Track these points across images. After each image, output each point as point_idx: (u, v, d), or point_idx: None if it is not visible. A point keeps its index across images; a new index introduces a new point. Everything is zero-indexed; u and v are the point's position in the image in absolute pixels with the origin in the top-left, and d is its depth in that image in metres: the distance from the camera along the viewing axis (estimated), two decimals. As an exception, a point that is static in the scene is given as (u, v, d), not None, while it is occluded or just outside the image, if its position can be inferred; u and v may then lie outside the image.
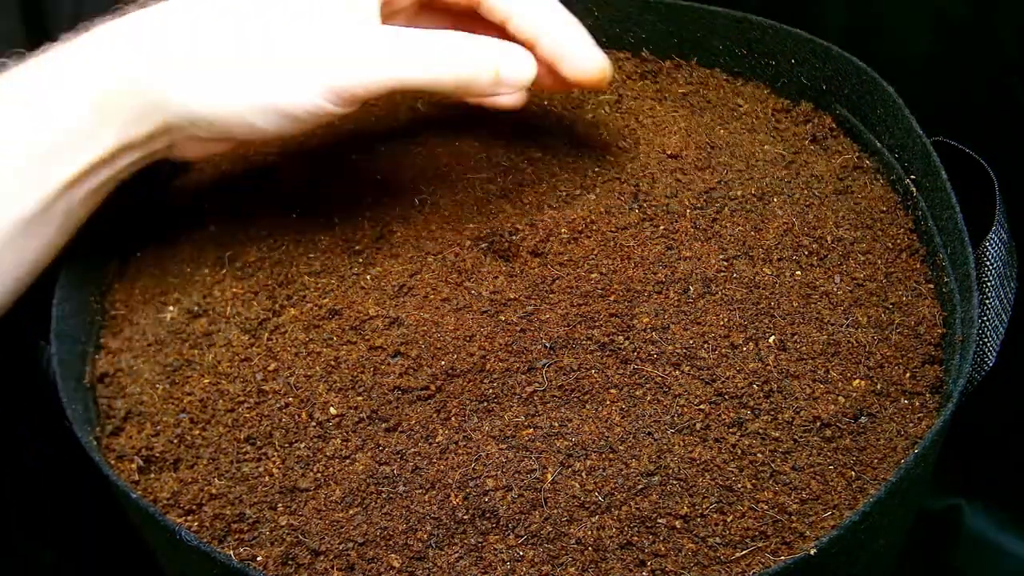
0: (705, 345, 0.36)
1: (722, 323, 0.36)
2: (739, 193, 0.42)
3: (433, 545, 0.31)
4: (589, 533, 0.31)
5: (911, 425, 0.34)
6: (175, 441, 0.35)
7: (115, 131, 0.36)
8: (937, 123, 0.41)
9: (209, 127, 0.36)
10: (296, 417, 0.35)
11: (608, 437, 0.33)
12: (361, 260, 0.40)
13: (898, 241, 0.40)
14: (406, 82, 0.35)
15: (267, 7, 0.36)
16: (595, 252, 0.39)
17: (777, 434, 0.33)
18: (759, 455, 0.33)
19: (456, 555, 0.31)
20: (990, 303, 0.35)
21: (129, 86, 0.36)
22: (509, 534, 0.31)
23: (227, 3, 0.36)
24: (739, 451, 0.33)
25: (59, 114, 0.36)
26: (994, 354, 0.35)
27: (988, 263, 0.36)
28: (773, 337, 0.36)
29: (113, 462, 0.35)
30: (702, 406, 0.34)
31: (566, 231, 0.40)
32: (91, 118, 0.36)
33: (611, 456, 0.33)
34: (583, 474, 0.33)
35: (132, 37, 0.36)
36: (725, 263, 0.39)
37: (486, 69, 0.36)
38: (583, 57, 0.39)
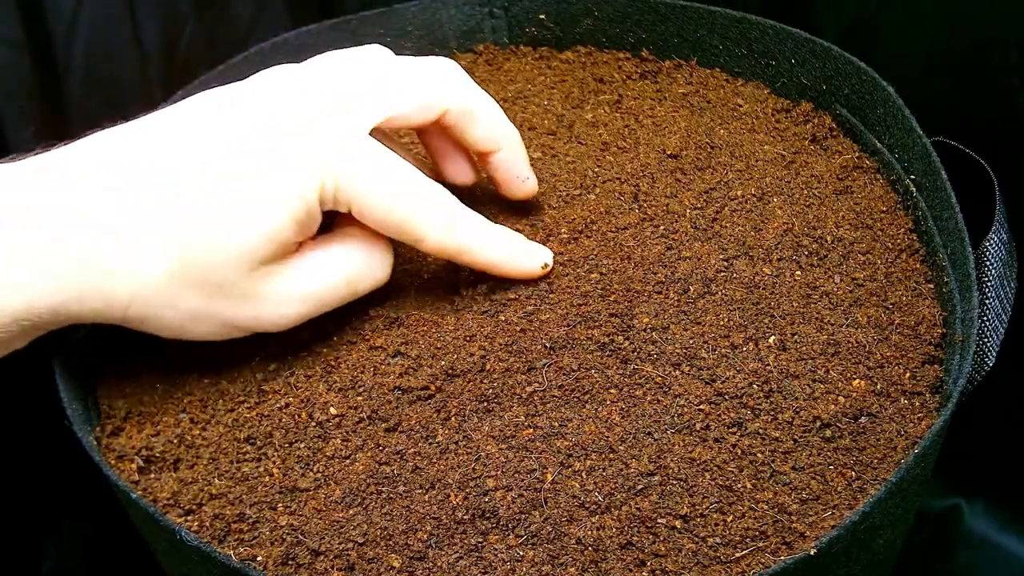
0: (705, 345, 0.36)
1: (722, 323, 0.36)
2: (739, 193, 0.42)
3: (433, 545, 0.31)
4: (589, 533, 0.31)
5: (911, 425, 0.34)
6: (175, 441, 0.35)
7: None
8: (937, 123, 0.41)
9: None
10: (296, 417, 0.35)
11: (608, 437, 0.33)
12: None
13: (898, 241, 0.40)
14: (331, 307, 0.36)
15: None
16: (595, 252, 0.39)
17: (777, 434, 0.33)
18: (759, 455, 0.33)
19: (456, 555, 0.31)
20: (990, 303, 0.35)
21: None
22: (509, 534, 0.31)
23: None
24: (739, 451, 0.33)
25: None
26: (994, 354, 0.35)
27: (988, 263, 0.36)
28: (773, 337, 0.36)
29: (113, 462, 0.35)
30: (702, 406, 0.34)
31: (566, 231, 0.40)
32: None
33: (611, 456, 0.33)
34: (583, 474, 0.33)
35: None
36: (725, 263, 0.39)
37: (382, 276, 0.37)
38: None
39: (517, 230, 0.41)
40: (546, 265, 0.38)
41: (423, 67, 0.38)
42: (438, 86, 0.38)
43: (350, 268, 0.36)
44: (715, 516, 0.31)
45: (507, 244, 0.38)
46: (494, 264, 0.38)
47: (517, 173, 0.40)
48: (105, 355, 0.39)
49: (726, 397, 0.34)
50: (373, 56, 0.38)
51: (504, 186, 0.41)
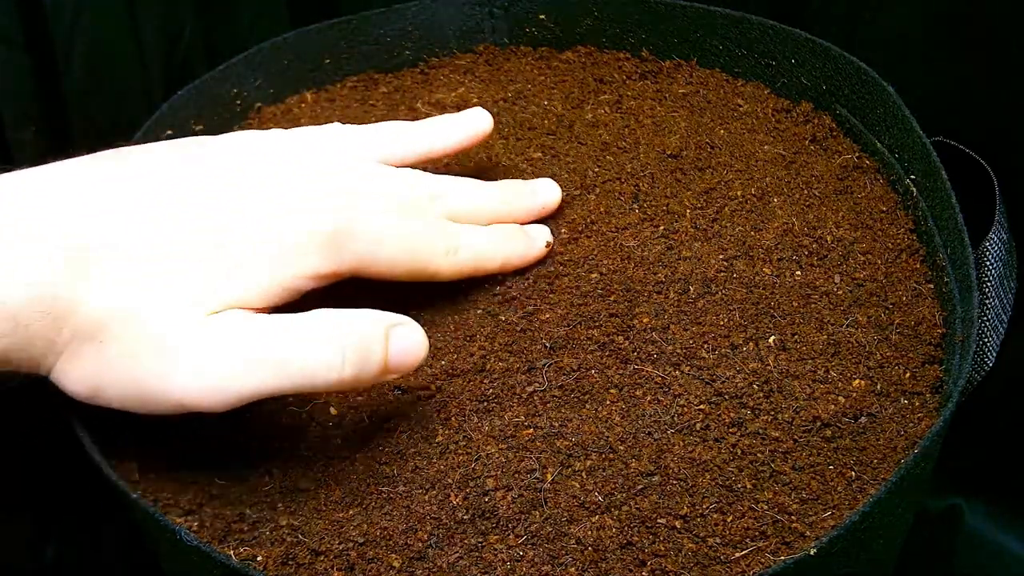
0: (705, 345, 0.36)
1: (722, 323, 0.36)
2: (739, 193, 0.42)
3: (433, 545, 0.31)
4: (589, 533, 0.31)
5: (911, 425, 0.34)
6: (175, 441, 0.35)
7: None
8: (937, 123, 0.41)
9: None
10: (296, 417, 0.35)
11: (608, 437, 0.33)
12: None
13: (898, 241, 0.40)
14: (268, 393, 0.31)
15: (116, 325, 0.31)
16: (595, 252, 0.39)
17: (777, 434, 0.33)
18: (759, 455, 0.33)
19: (456, 555, 0.31)
20: (990, 303, 0.35)
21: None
22: (509, 534, 0.31)
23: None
24: (739, 451, 0.33)
25: None
26: (994, 354, 0.35)
27: (988, 263, 0.36)
28: (773, 337, 0.36)
29: (113, 462, 0.35)
30: (702, 406, 0.34)
31: (566, 231, 0.40)
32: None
33: (611, 456, 0.33)
34: (583, 474, 0.32)
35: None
36: (725, 263, 0.39)
37: (374, 356, 0.31)
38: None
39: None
40: (548, 243, 0.40)
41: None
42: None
43: (295, 359, 0.31)
44: (715, 516, 0.31)
45: (510, 241, 0.39)
46: (506, 265, 0.38)
47: (467, 144, 0.42)
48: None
49: (726, 397, 0.34)
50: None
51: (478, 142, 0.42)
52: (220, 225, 0.32)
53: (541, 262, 0.39)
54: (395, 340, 0.32)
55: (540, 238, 0.40)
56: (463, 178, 0.41)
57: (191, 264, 0.31)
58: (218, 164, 0.34)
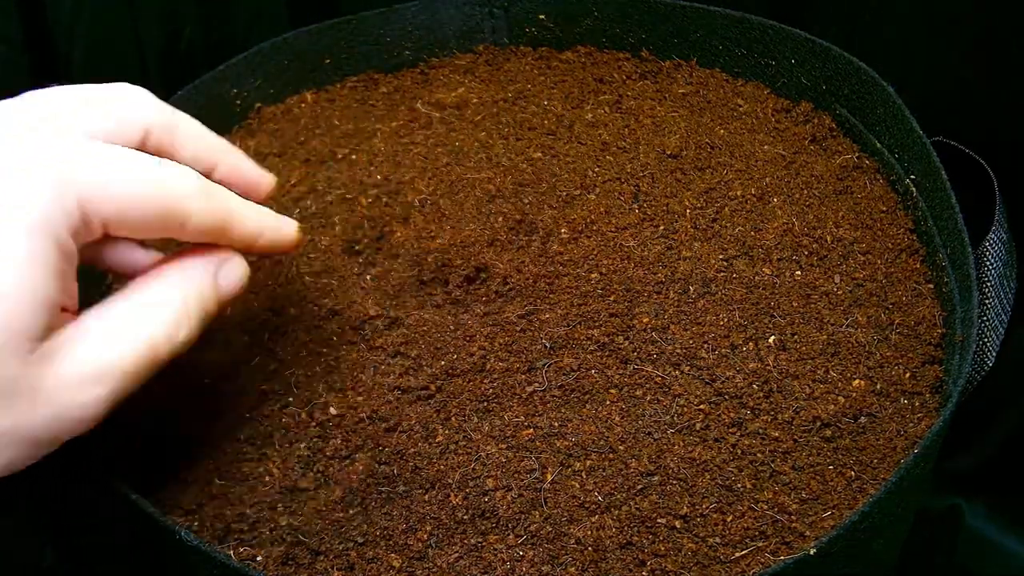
0: (705, 345, 0.36)
1: (722, 323, 0.36)
2: (739, 193, 0.42)
3: (433, 545, 0.31)
4: (589, 533, 0.31)
5: (911, 425, 0.34)
6: (176, 441, 0.35)
7: None
8: (937, 123, 0.41)
9: None
10: (296, 417, 0.35)
11: (608, 437, 0.33)
12: (361, 260, 0.40)
13: (898, 241, 0.40)
14: (139, 370, 0.30)
15: None
16: (595, 252, 0.39)
17: (777, 434, 0.33)
18: (759, 455, 0.33)
19: (456, 555, 0.31)
20: (990, 303, 0.35)
21: None
22: (509, 534, 0.31)
23: None
24: (739, 451, 0.33)
25: None
26: (994, 354, 0.35)
27: (988, 263, 0.36)
28: (773, 337, 0.36)
29: (114, 463, 0.35)
30: (702, 406, 0.34)
31: (566, 231, 0.40)
32: None
33: (611, 456, 0.33)
34: (583, 474, 0.33)
35: None
36: (725, 263, 0.39)
37: (209, 303, 0.32)
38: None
39: (517, 230, 0.41)
40: (301, 228, 0.35)
41: (115, 89, 0.34)
42: (135, 103, 0.34)
43: (147, 326, 0.30)
44: (715, 516, 0.31)
45: (262, 211, 0.34)
46: (260, 229, 0.34)
47: (249, 177, 0.37)
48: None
49: (726, 397, 0.34)
50: (54, 89, 0.34)
51: (247, 195, 0.36)
52: None
53: (541, 262, 0.39)
54: (223, 280, 0.33)
55: (291, 222, 0.35)
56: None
57: None
58: None
